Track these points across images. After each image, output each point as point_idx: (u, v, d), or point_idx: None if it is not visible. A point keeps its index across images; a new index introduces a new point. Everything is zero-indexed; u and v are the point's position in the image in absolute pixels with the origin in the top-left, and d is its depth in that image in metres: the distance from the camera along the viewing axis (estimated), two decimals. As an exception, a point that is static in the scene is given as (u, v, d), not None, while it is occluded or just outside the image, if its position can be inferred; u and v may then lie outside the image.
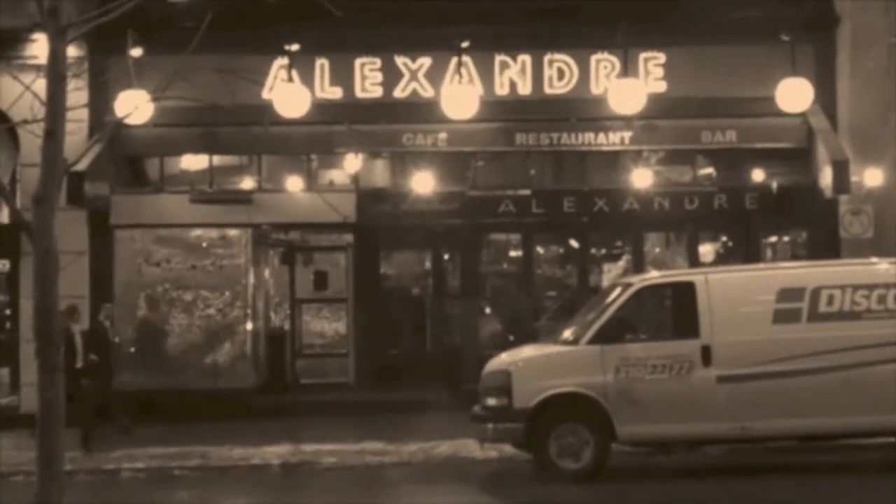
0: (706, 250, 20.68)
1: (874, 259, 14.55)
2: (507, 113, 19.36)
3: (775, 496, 11.94)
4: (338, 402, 19.44)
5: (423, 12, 18.78)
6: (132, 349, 19.36)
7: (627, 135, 19.34)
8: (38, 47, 16.94)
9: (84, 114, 16.12)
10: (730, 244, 20.91)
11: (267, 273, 21.27)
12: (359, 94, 19.49)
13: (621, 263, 20.76)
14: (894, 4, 19.29)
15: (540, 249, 21.08)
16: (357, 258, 20.58)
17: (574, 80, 19.49)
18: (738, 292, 13.48)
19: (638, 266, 19.90)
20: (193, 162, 20.27)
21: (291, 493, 13.47)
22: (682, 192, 19.78)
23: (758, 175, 19.75)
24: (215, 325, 19.67)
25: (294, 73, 18.66)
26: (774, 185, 19.58)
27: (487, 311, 20.68)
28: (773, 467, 13.94)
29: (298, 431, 16.77)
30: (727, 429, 13.08)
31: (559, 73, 19.52)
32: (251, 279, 20.01)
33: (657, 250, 21.15)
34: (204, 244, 19.96)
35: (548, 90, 19.52)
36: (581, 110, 19.39)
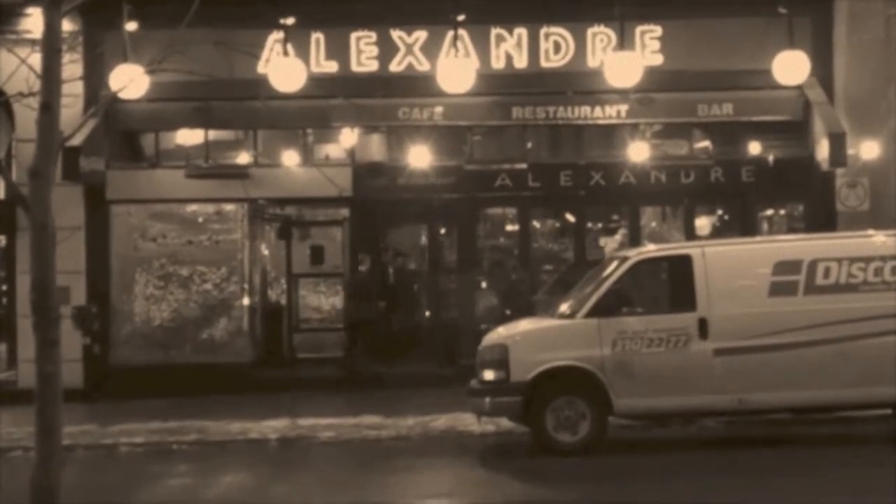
0: (703, 223, 20.66)
1: (870, 231, 14.53)
2: (503, 86, 19.32)
3: (772, 468, 11.99)
4: (335, 376, 19.46)
5: (418, -15, 18.74)
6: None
7: (624, 108, 19.30)
8: (33, 22, 16.91)
9: (79, 88, 16.09)
10: (726, 217, 20.90)
11: (263, 248, 21.26)
12: (354, 68, 19.42)
13: (618, 237, 20.76)
14: (891, -23, 19.25)
15: (536, 223, 21.06)
16: (353, 233, 20.56)
17: (570, 54, 19.44)
18: (734, 265, 13.48)
19: (634, 239, 19.90)
20: (189, 136, 20.22)
21: (289, 467, 13.50)
22: (679, 166, 19.76)
23: (754, 148, 19.74)
24: (212, 300, 19.70)
25: (289, 48, 18.60)
26: (771, 158, 19.56)
27: (484, 285, 20.67)
28: (769, 439, 13.99)
29: (296, 406, 16.82)
30: (724, 401, 13.10)
31: (555, 46, 19.47)
32: (247, 254, 20.01)
33: (654, 224, 21.14)
34: (200, 219, 19.95)
35: (544, 63, 19.46)
36: (577, 84, 19.35)
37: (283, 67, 18.32)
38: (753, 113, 19.49)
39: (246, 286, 19.89)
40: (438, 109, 19.23)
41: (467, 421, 14.63)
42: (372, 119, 19.12)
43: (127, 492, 12.18)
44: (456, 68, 18.69)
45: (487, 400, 13.40)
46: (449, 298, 20.65)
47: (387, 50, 19.42)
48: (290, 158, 19.83)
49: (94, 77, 16.98)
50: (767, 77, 18.76)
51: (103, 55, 16.91)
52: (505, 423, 14.22)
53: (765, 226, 20.66)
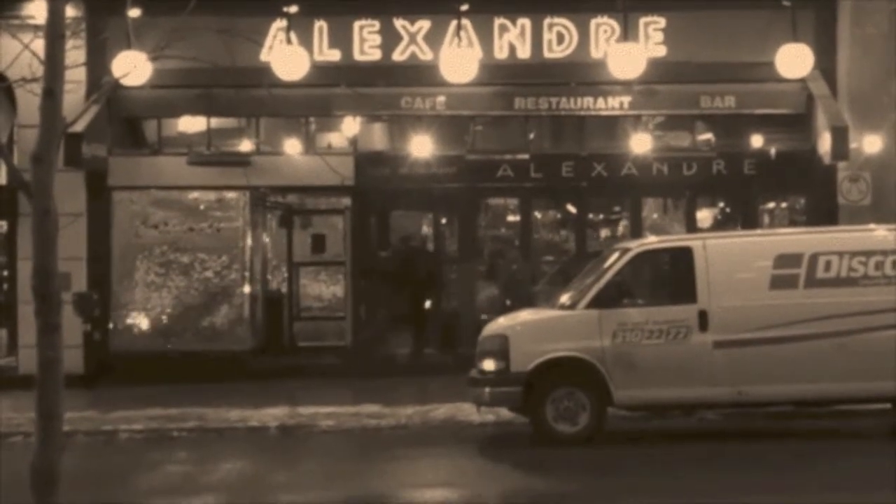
0: (704, 216, 20.66)
1: (872, 226, 14.56)
2: (506, 77, 19.30)
3: (771, 461, 12.00)
4: (335, 364, 19.47)
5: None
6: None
7: (626, 99, 19.28)
8: (36, 7, 16.83)
9: (81, 74, 16.08)
10: (728, 210, 20.90)
11: (265, 236, 21.26)
12: (357, 56, 19.40)
13: (619, 228, 20.76)
14: (895, -30, 19.22)
15: (538, 214, 21.05)
16: (355, 221, 20.55)
17: (573, 45, 19.41)
18: (735, 258, 13.49)
19: (636, 231, 19.89)
20: (191, 124, 20.22)
21: (288, 455, 13.52)
22: (681, 158, 19.74)
23: (756, 141, 19.72)
24: (213, 287, 19.70)
25: (292, 36, 18.58)
26: (773, 151, 19.55)
27: (485, 275, 20.65)
28: (768, 432, 14.00)
29: (296, 394, 16.83)
30: (723, 393, 13.12)
31: (559, 37, 19.44)
32: (249, 242, 20.01)
33: (655, 215, 21.14)
34: (202, 206, 19.94)
35: (547, 54, 19.44)
36: (580, 75, 19.33)
37: (286, 55, 18.31)
38: (756, 105, 19.48)
39: (247, 274, 19.88)
40: (441, 99, 19.21)
41: (467, 411, 14.64)
42: (374, 108, 19.08)
43: (126, 478, 12.20)
44: (459, 58, 18.67)
45: (487, 390, 13.42)
46: (450, 288, 20.65)
47: (390, 39, 19.39)
48: (293, 146, 19.81)
49: (97, 63, 16.96)
50: (770, 70, 18.75)
51: (106, 41, 16.86)
52: (504, 413, 14.23)
53: (766, 219, 20.65)
